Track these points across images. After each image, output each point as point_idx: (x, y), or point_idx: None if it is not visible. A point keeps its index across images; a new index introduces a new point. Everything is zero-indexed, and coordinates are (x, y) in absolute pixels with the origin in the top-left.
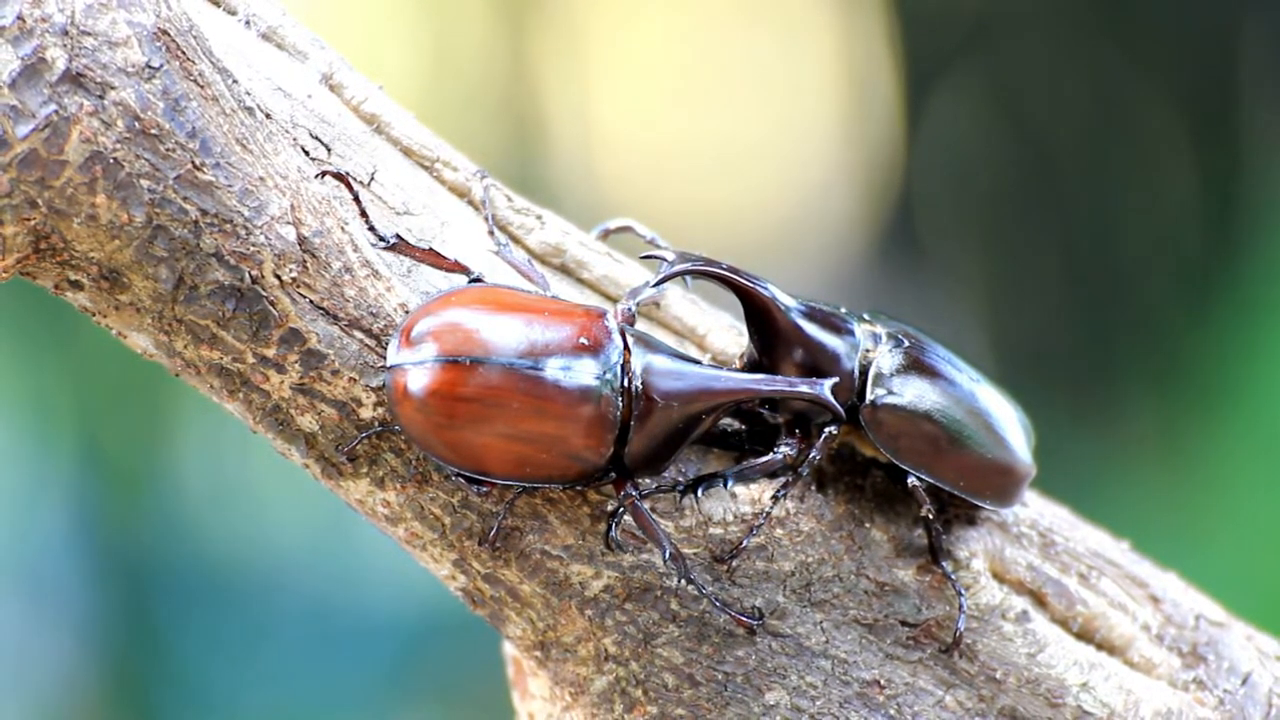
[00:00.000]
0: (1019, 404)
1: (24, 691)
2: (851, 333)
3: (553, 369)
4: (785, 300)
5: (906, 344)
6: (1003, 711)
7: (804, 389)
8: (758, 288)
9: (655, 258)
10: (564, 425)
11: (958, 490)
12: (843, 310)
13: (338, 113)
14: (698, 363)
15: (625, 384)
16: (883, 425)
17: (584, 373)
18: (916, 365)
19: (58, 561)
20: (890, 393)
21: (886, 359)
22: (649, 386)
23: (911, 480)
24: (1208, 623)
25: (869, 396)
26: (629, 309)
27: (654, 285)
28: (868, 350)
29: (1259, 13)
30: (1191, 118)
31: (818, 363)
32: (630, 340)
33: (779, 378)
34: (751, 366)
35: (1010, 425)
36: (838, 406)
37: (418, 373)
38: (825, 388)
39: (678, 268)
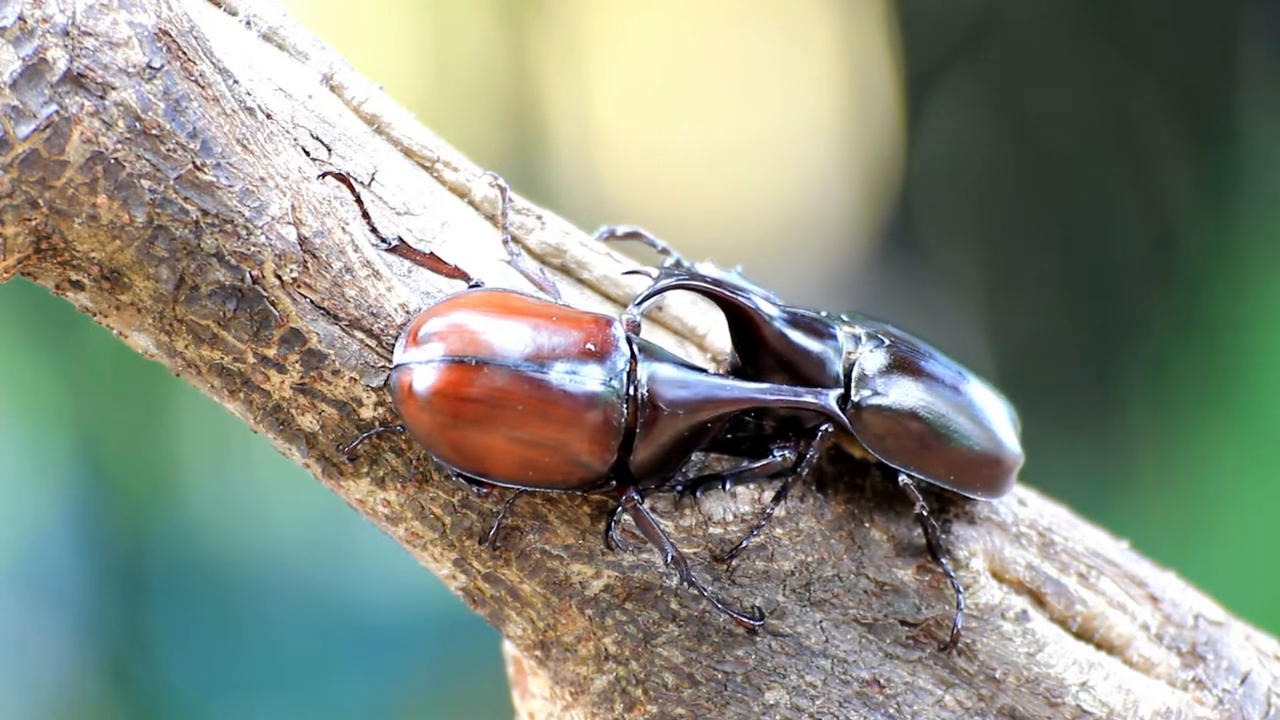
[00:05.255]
0: (1006, 397)
1: (24, 691)
2: (834, 336)
3: (558, 373)
4: (768, 310)
5: (887, 343)
6: (1002, 710)
7: (809, 399)
8: (740, 299)
9: (640, 273)
10: (568, 430)
11: (948, 484)
12: (823, 314)
13: (338, 113)
14: (704, 371)
15: (631, 391)
16: (868, 426)
17: (589, 378)
18: (898, 363)
19: (56, 561)
20: (874, 393)
21: (868, 360)
22: (654, 394)
23: (903, 478)
24: (1207, 622)
25: (853, 398)
26: (634, 317)
27: (637, 304)
28: (850, 353)
29: (1257, 13)
30: (1190, 118)
31: (804, 369)
32: (636, 348)
33: (784, 388)
34: (735, 375)
35: (995, 415)
36: (843, 417)
37: (424, 371)
38: (830, 398)
39: (661, 284)
